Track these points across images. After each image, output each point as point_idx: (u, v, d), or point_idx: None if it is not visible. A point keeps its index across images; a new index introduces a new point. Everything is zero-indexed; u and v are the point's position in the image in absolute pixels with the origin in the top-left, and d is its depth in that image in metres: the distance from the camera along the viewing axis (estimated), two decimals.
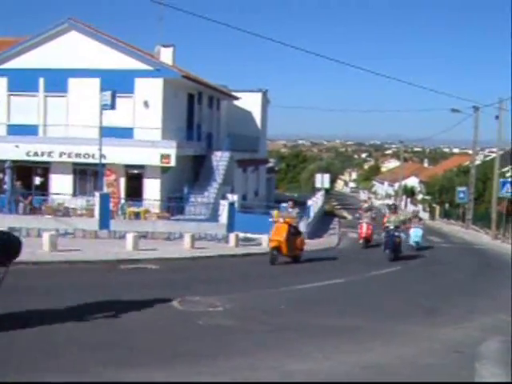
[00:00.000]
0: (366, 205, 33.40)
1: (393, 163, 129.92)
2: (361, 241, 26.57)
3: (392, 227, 20.63)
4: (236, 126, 40.54)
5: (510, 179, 38.63)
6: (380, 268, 18.02)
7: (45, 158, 29.60)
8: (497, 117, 37.55)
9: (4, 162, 25.83)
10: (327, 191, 51.60)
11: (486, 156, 66.34)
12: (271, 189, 52.52)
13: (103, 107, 24.91)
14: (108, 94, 24.83)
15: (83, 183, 30.28)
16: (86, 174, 30.13)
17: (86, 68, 29.00)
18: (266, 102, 46.82)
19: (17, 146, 29.20)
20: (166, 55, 32.77)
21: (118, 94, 26.14)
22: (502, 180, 36.54)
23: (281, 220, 17.61)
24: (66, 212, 24.65)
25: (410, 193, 77.88)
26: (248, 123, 42.92)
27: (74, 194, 29.13)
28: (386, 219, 21.79)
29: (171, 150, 28.56)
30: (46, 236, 15.83)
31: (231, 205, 25.75)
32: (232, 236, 22.18)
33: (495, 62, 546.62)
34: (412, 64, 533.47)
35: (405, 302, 12.04)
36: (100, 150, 24.62)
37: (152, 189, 29.28)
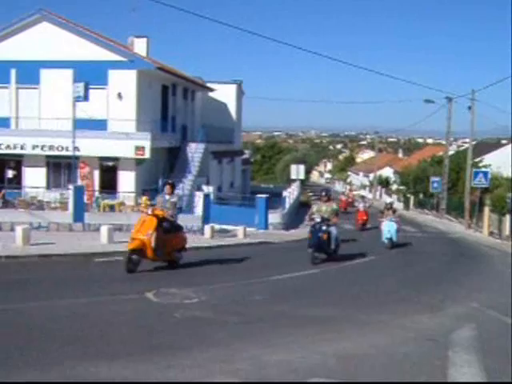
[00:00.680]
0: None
1: (368, 154, 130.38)
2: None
3: (318, 220, 16.06)
4: (211, 117, 40.43)
5: (482, 169, 39.17)
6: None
7: (17, 151, 29.20)
8: (469, 107, 37.91)
9: None
10: (302, 182, 51.70)
11: (459, 146, 67.09)
12: (247, 180, 52.55)
13: (76, 99, 24.69)
14: (81, 85, 24.62)
15: (57, 176, 29.96)
16: (60, 167, 29.83)
17: (59, 59, 28.62)
18: (240, 94, 46.76)
19: None
20: (139, 46, 32.56)
21: (92, 86, 25.93)
22: (474, 170, 36.93)
23: (149, 211, 13.04)
24: (40, 205, 24.41)
25: (384, 183, 78.46)
26: (223, 115, 42.82)
27: (48, 187, 28.81)
28: (314, 208, 17.06)
29: (145, 141, 28.37)
30: (19, 230, 15.68)
31: (206, 196, 25.74)
32: (207, 228, 22.19)
33: (468, 53, 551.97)
34: (386, 55, 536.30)
35: (375, 291, 12.13)
36: (73, 142, 24.41)
37: (127, 181, 29.08)
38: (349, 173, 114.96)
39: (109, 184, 28.89)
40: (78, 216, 21.64)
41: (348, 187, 75.97)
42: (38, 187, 27.07)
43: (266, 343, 7.05)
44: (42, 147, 28.92)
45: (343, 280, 13.77)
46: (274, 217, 28.97)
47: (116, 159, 29.26)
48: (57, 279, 10.23)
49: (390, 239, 21.44)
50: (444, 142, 50.64)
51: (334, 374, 5.99)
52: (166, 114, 33.92)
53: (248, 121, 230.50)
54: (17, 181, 29.72)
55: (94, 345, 6.65)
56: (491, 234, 32.46)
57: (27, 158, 29.70)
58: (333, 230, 16.14)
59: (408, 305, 10.43)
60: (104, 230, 17.59)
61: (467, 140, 44.85)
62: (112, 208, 26.02)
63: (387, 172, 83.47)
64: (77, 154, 26.40)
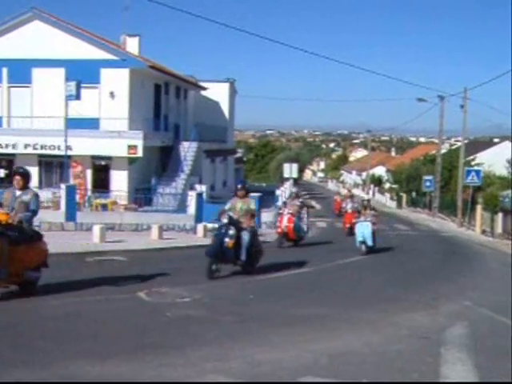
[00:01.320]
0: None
1: (360, 152, 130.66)
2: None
3: (226, 221, 12.56)
4: (203, 116, 40.39)
5: (475, 167, 39.30)
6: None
7: (9, 150, 29.14)
8: (462, 106, 37.99)
9: None
10: (295, 181, 51.68)
11: (451, 145, 67.26)
12: (240, 179, 52.47)
13: (68, 98, 24.64)
14: (72, 84, 24.58)
15: (49, 175, 29.91)
16: (52, 166, 29.77)
17: (51, 58, 28.58)
18: (233, 93, 46.74)
19: None
20: (131, 45, 32.53)
21: (84, 85, 25.88)
22: (467, 168, 37.03)
23: None
24: None
25: (377, 182, 78.63)
26: (216, 113, 42.79)
27: (40, 187, 28.71)
28: (227, 205, 13.29)
29: (138, 140, 28.34)
30: None
31: (199, 195, 25.71)
32: (200, 226, 22.15)
33: (461, 51, 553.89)
34: (378, 53, 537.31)
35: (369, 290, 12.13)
36: (66, 141, 24.33)
37: (119, 180, 29.05)
38: (342, 171, 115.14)
39: (101, 183, 28.87)
40: (71, 215, 21.60)
41: (347, 186, 75.05)
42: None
43: (258, 342, 7.05)
44: (34, 146, 28.86)
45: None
46: (267, 215, 28.96)
47: (108, 158, 29.22)
48: (48, 278, 10.17)
49: (364, 243, 18.43)
50: (437, 141, 50.77)
51: (326, 372, 5.99)
52: (158, 112, 33.88)
53: (241, 119, 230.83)
54: (9, 180, 29.57)
55: (86, 344, 6.63)
56: (483, 232, 32.55)
57: (19, 158, 29.58)
58: (244, 235, 12.59)
59: (400, 302, 10.42)
60: (96, 229, 17.55)
61: (459, 138, 44.96)
62: (104, 207, 25.99)
63: (380, 171, 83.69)
64: (69, 153, 26.34)
